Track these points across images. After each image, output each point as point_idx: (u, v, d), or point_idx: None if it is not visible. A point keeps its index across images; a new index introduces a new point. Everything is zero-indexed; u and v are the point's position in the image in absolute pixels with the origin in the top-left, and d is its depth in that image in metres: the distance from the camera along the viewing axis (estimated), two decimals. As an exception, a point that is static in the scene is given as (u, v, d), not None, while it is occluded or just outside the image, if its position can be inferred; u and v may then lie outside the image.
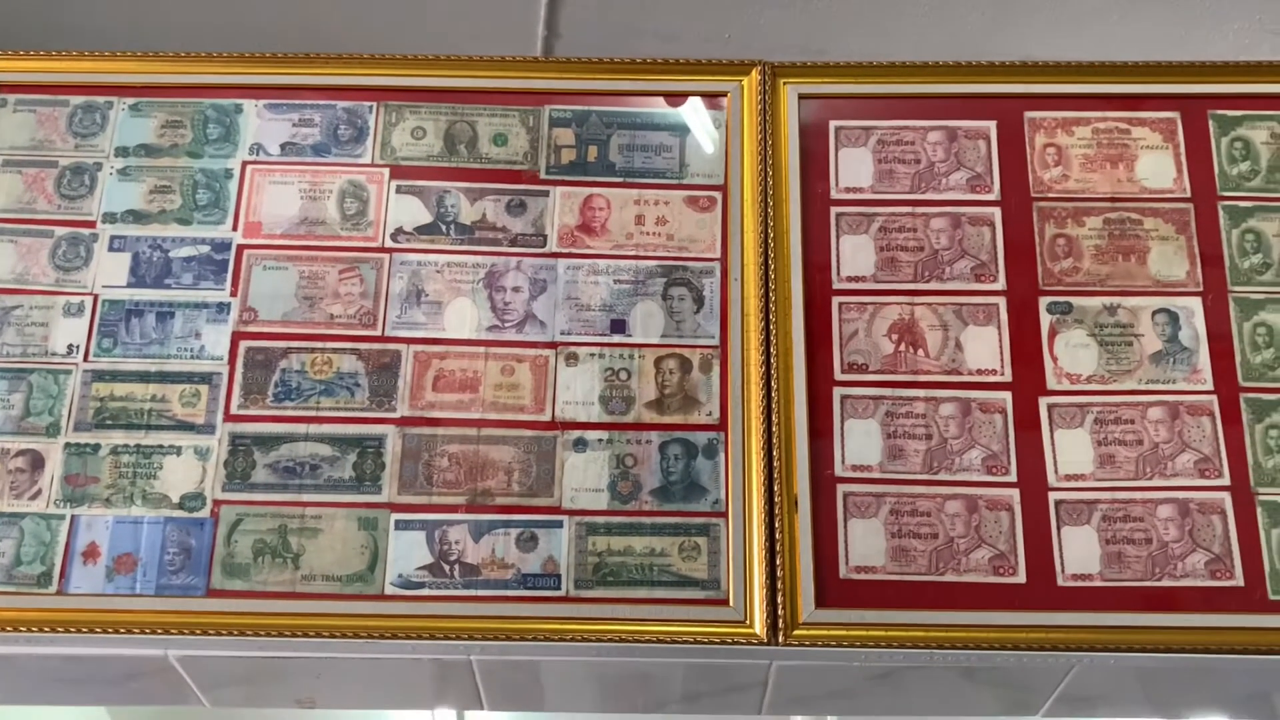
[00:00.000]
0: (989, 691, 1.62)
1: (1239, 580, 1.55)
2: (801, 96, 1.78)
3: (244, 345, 1.65)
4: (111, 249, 1.71)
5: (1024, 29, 2.09)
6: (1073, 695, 1.62)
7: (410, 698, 1.70)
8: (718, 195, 1.73)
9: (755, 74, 1.78)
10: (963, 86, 1.78)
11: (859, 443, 1.62)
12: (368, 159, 1.75)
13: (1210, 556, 1.56)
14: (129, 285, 1.69)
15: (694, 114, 1.77)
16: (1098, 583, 1.55)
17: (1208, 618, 1.53)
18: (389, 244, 1.70)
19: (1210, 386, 1.63)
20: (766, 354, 1.64)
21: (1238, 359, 1.64)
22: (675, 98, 1.78)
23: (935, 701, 1.64)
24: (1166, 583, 1.55)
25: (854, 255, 1.71)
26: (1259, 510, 1.58)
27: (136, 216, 1.72)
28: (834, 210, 1.73)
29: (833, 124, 1.77)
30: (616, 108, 1.78)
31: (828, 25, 2.08)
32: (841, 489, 1.60)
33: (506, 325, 1.66)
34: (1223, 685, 1.59)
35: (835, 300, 1.69)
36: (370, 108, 1.78)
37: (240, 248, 1.70)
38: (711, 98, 1.78)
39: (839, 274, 1.70)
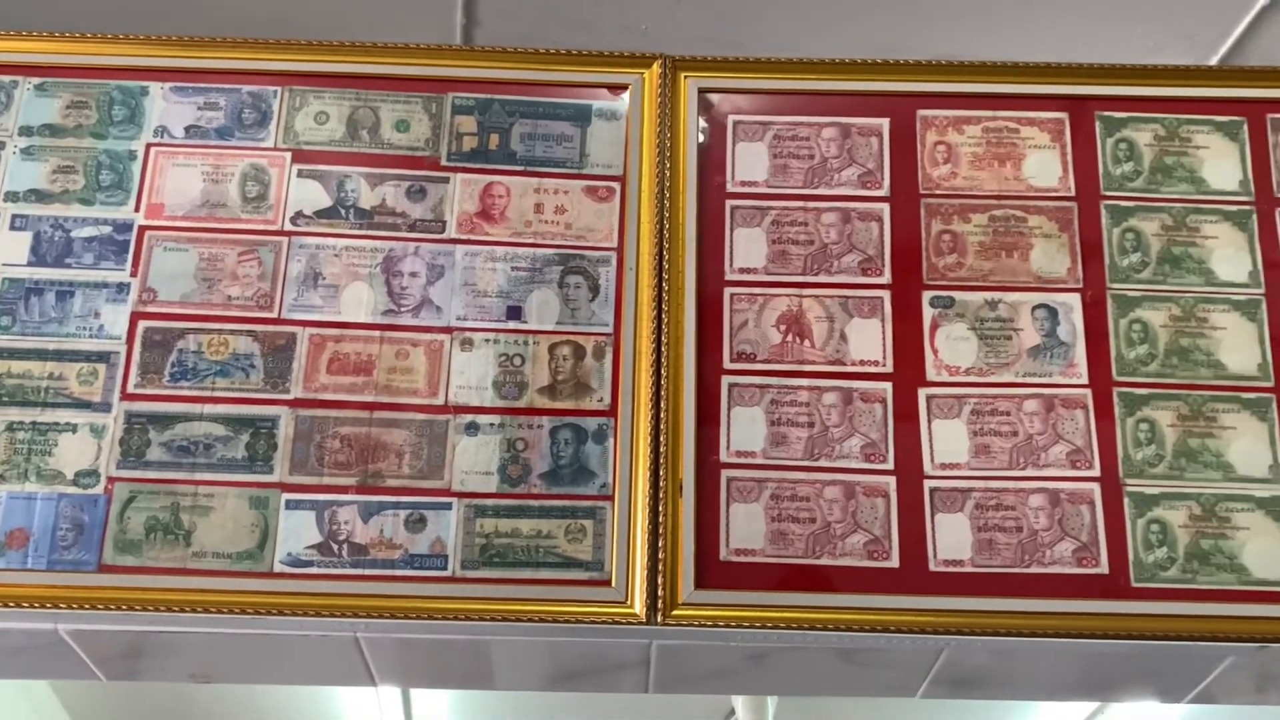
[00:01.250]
0: (867, 672, 1.67)
1: (1104, 568, 1.60)
2: (701, 90, 1.81)
3: (142, 325, 1.67)
4: (13, 228, 1.72)
5: (939, 27, 2.12)
6: (946, 677, 1.68)
7: (304, 673, 1.74)
8: (616, 186, 1.77)
9: (656, 67, 1.81)
10: (858, 84, 1.82)
11: (744, 430, 1.66)
12: (270, 143, 1.77)
13: (1078, 545, 1.61)
14: (29, 264, 1.70)
15: (599, 105, 1.81)
16: (968, 568, 1.60)
17: (1074, 603, 1.59)
18: (288, 227, 1.72)
19: (1085, 380, 1.69)
20: (658, 342, 1.68)
21: (1113, 354, 1.70)
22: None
23: (815, 681, 1.69)
24: (1035, 569, 1.61)
25: (747, 248, 1.75)
26: (1126, 500, 1.63)
27: (39, 196, 1.74)
28: (729, 203, 1.77)
29: (731, 118, 1.81)
30: (519, 97, 1.81)
31: (744, 19, 2.12)
32: (725, 474, 1.64)
33: (403, 310, 1.69)
34: (1088, 669, 1.65)
35: (727, 291, 1.73)
36: (275, 92, 1.80)
37: (141, 229, 1.72)
38: (613, 90, 1.82)
39: (731, 265, 1.74)
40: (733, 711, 3.59)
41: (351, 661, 1.64)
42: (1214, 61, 2.11)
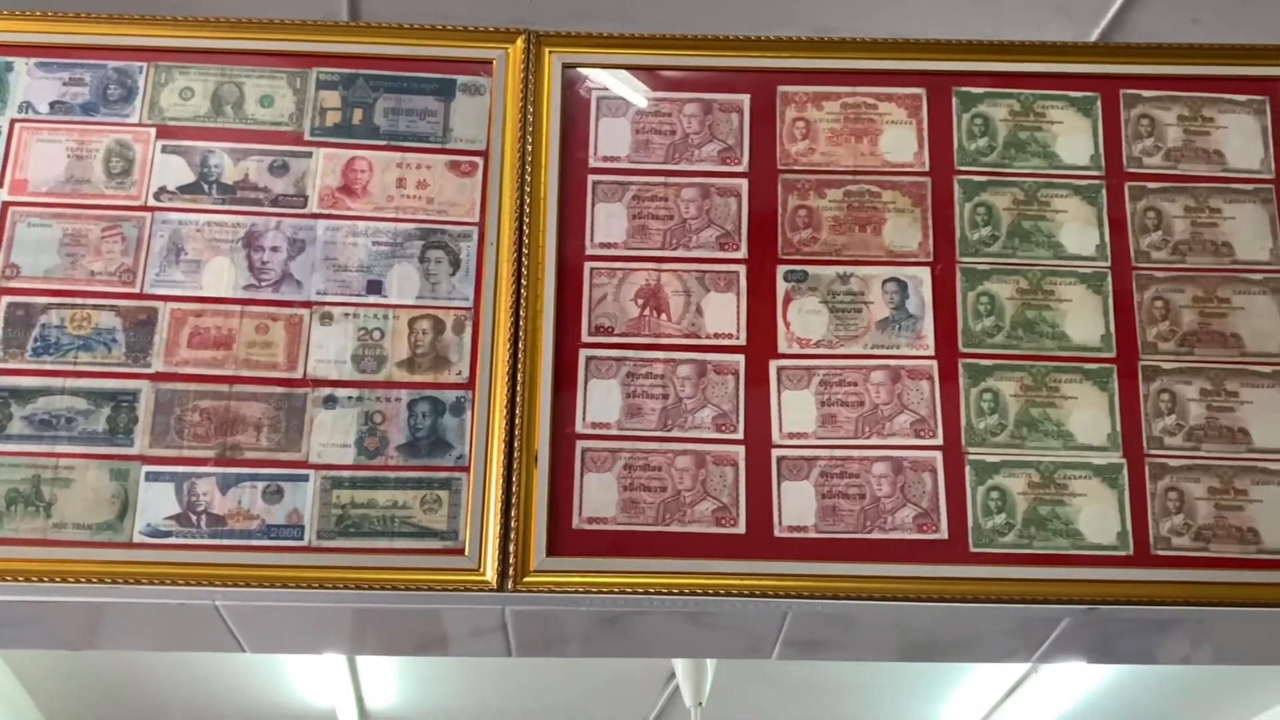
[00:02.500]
0: (718, 634, 1.73)
1: (943, 534, 1.66)
2: (565, 65, 1.84)
3: (5, 301, 1.69)
4: (-123, 204, 1.74)
5: (821, 5, 2.14)
6: (796, 639, 1.74)
7: (173, 641, 1.78)
8: (479, 160, 1.79)
9: (520, 42, 1.83)
10: (720, 60, 1.84)
11: (600, 401, 1.70)
12: (135, 119, 1.78)
13: (919, 511, 1.66)
14: (-107, 240, 1.72)
15: (463, 80, 1.82)
16: (812, 534, 1.65)
17: (913, 568, 1.64)
18: (152, 203, 1.74)
19: (931, 352, 1.73)
20: (516, 316, 1.71)
21: (960, 326, 1.74)
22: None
23: (669, 644, 1.75)
24: (876, 535, 1.66)
25: (607, 222, 1.78)
26: (968, 468, 1.68)
27: (-97, 172, 1.75)
28: (591, 178, 1.80)
29: (594, 94, 1.84)
30: (384, 72, 1.83)
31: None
32: (580, 445, 1.68)
33: (263, 284, 1.71)
34: (931, 631, 1.71)
35: (587, 265, 1.76)
36: (140, 68, 1.81)
37: (5, 205, 1.73)
38: (478, 65, 1.84)
39: (592, 240, 1.77)
40: (673, 674, 3.66)
41: (216, 629, 1.68)
42: (1094, 36, 2.14)
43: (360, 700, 3.99)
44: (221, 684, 3.78)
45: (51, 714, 3.73)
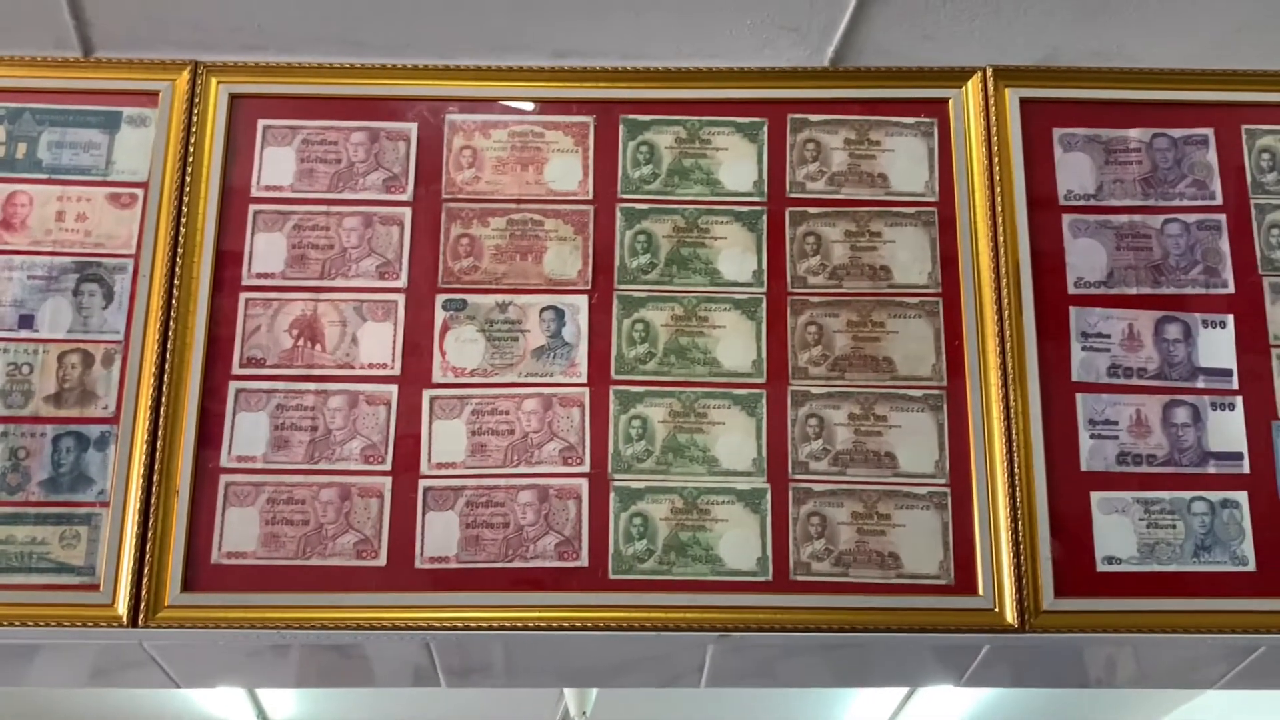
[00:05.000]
0: (370, 665, 1.74)
1: (584, 561, 1.67)
2: (233, 96, 1.84)
3: None
4: None
5: (550, 24, 2.13)
6: (455, 668, 1.74)
7: None
8: (140, 192, 1.79)
9: (186, 73, 1.83)
10: (389, 88, 1.85)
11: (247, 435, 1.70)
12: None
13: (561, 539, 1.67)
14: None
15: (129, 112, 1.82)
16: (453, 564, 1.66)
17: (553, 596, 1.65)
18: None
19: (584, 380, 1.74)
20: (164, 349, 1.71)
21: (614, 353, 1.75)
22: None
23: (322, 674, 1.76)
24: (517, 564, 1.67)
25: (266, 252, 1.78)
26: (612, 495, 1.70)
27: None
28: (252, 208, 1.80)
29: (261, 123, 1.84)
30: (51, 105, 1.82)
31: (349, 15, 2.11)
32: (224, 479, 1.68)
33: (-91, 321, 1.71)
34: (580, 658, 1.72)
35: (242, 296, 1.76)
36: None
37: None
38: (145, 96, 1.83)
39: (249, 271, 1.77)
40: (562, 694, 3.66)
41: None
42: (828, 54, 2.14)
43: (261, 713, 4.00)
44: (117, 695, 3.75)
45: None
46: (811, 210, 1.82)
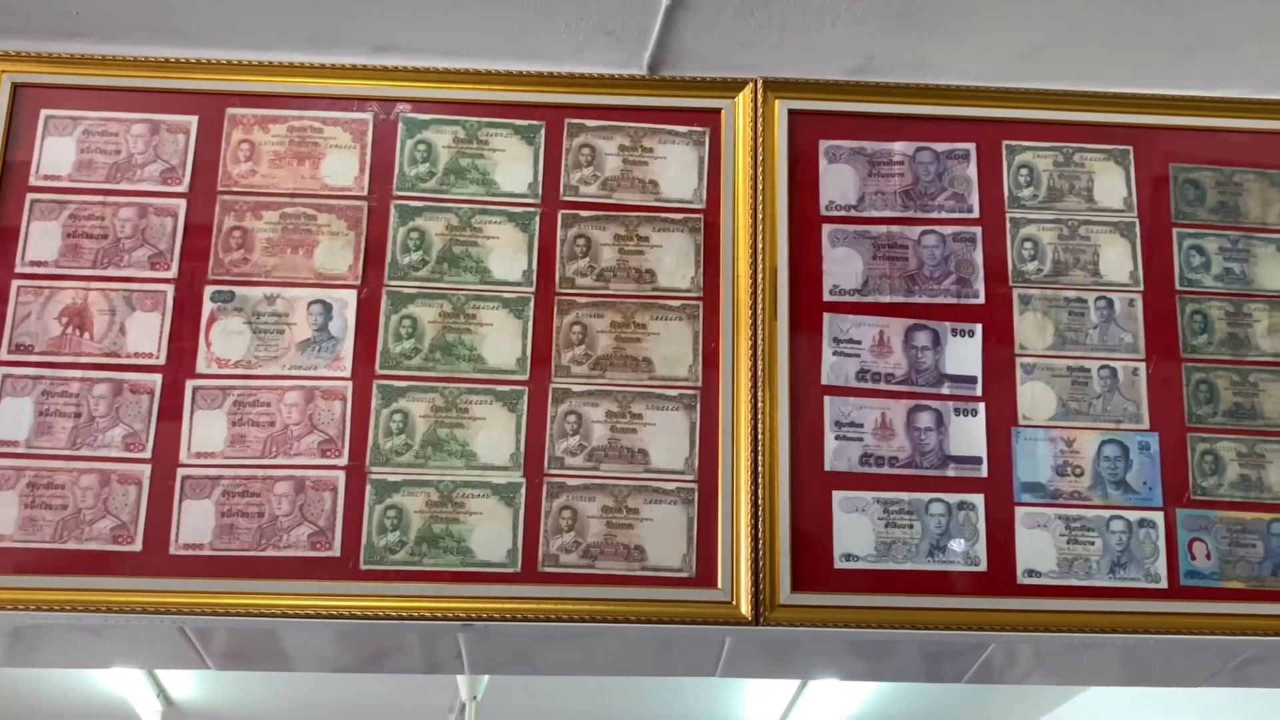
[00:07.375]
0: (127, 646, 1.77)
1: (336, 551, 1.71)
2: (16, 85, 1.84)
3: None
4: None
5: (369, 20, 2.14)
6: (220, 652, 1.79)
7: None
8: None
9: (-17, 63, 1.86)
10: (170, 82, 1.87)
11: (10, 420, 1.73)
12: None
13: (315, 529, 1.71)
14: None
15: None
16: (207, 551, 1.70)
17: (303, 584, 1.68)
18: None
19: (348, 374, 1.78)
20: (-72, 335, 1.74)
21: (380, 348, 1.79)
22: None
23: (86, 657, 1.79)
24: (270, 552, 1.71)
25: (41, 241, 1.80)
26: (369, 487, 1.74)
27: None
28: (30, 196, 1.82)
29: (44, 112, 1.85)
30: None
31: (170, 4, 2.12)
32: (-17, 466, 1.72)
33: None
34: (344, 645, 1.77)
35: (15, 284, 1.79)
36: None
37: None
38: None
39: (23, 259, 1.79)
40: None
41: None
42: (645, 58, 2.17)
43: (163, 692, 4.01)
44: (20, 675, 3.75)
45: None
46: (583, 214, 1.87)
